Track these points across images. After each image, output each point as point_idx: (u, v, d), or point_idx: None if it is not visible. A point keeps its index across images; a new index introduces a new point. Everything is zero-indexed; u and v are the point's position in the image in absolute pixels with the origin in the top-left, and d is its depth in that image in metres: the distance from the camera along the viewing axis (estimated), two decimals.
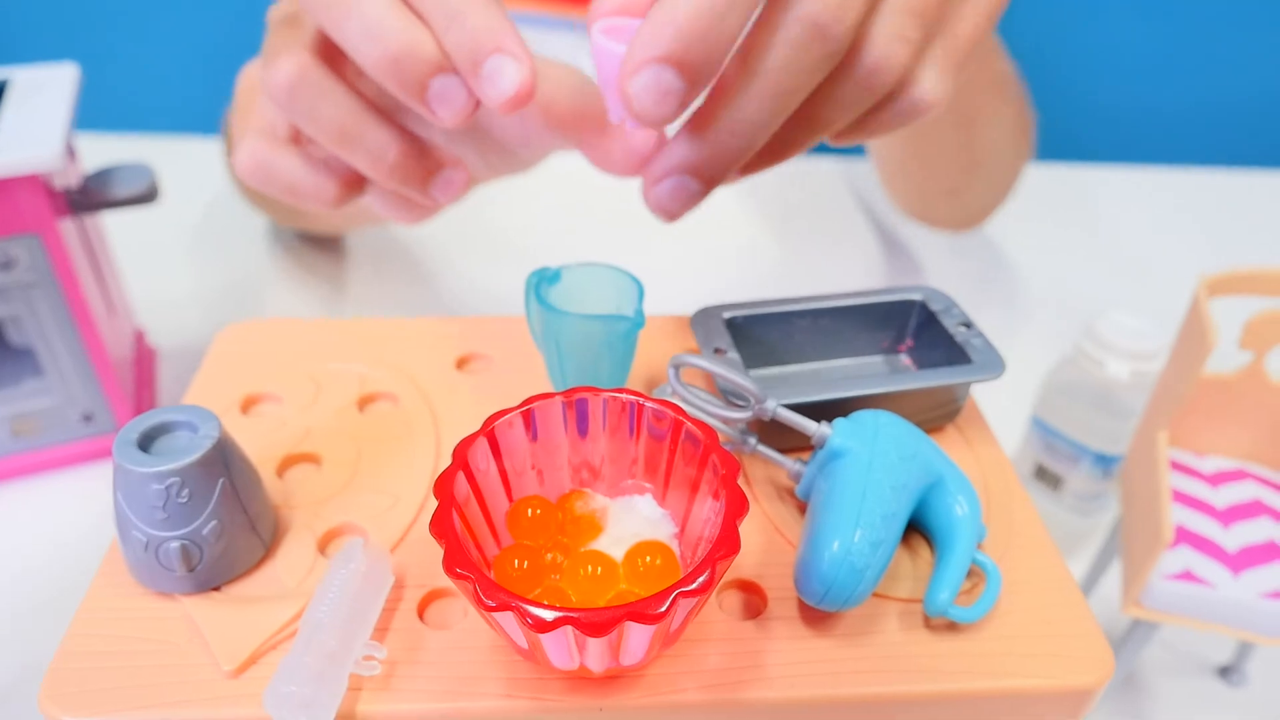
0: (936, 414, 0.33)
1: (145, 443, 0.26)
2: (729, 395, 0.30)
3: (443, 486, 0.23)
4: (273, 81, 0.33)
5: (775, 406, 0.28)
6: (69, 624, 0.26)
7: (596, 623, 0.20)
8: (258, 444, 0.32)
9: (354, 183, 0.37)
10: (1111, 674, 0.26)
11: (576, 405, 0.26)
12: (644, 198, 0.33)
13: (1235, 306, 0.44)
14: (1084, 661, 0.26)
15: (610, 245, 0.68)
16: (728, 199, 0.80)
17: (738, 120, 0.30)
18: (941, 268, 0.76)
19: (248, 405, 0.34)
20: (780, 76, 0.28)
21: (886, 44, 0.29)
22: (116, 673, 0.25)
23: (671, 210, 0.32)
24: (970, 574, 0.28)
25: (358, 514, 0.29)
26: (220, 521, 0.26)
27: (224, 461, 0.26)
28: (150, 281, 0.66)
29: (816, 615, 0.27)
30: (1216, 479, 0.45)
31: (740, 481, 0.31)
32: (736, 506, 0.23)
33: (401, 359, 0.36)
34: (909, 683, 0.25)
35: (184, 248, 0.73)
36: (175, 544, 0.25)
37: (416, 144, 0.35)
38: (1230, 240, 0.81)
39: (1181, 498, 0.43)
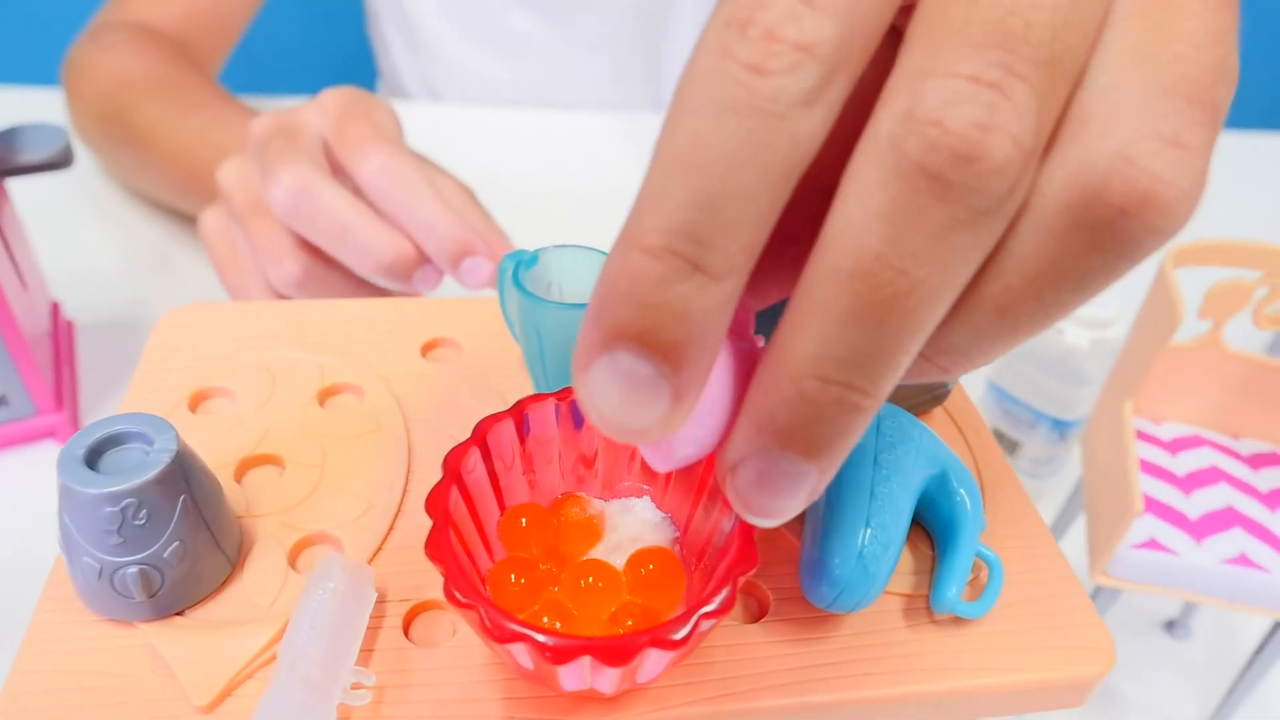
0: (926, 398, 0.32)
1: (92, 459, 0.23)
2: None
3: (436, 504, 0.22)
4: (279, 280, 0.44)
5: None
6: (14, 659, 0.24)
7: (617, 652, 0.19)
8: (212, 446, 0.29)
9: None
10: (1114, 662, 0.26)
11: (572, 407, 0.24)
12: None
13: (1193, 275, 0.45)
14: (1088, 652, 0.26)
15: (592, 226, 0.66)
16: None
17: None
18: None
19: (197, 402, 0.31)
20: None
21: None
22: (74, 712, 0.22)
23: (764, 508, 0.17)
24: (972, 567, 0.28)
25: (329, 521, 0.27)
26: (183, 542, 0.24)
27: (184, 476, 0.24)
28: (66, 252, 0.61)
29: (820, 615, 0.26)
30: (1175, 446, 0.45)
31: None
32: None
33: (361, 346, 0.34)
34: (917, 682, 0.25)
35: (101, 214, 0.68)
36: (134, 570, 0.23)
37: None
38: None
39: (1143, 465, 0.44)
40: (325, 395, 0.32)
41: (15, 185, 0.54)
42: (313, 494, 0.28)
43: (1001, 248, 0.16)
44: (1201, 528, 0.41)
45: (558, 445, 0.26)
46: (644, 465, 0.26)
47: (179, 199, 0.61)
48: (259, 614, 0.25)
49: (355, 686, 0.23)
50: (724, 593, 0.20)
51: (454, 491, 0.22)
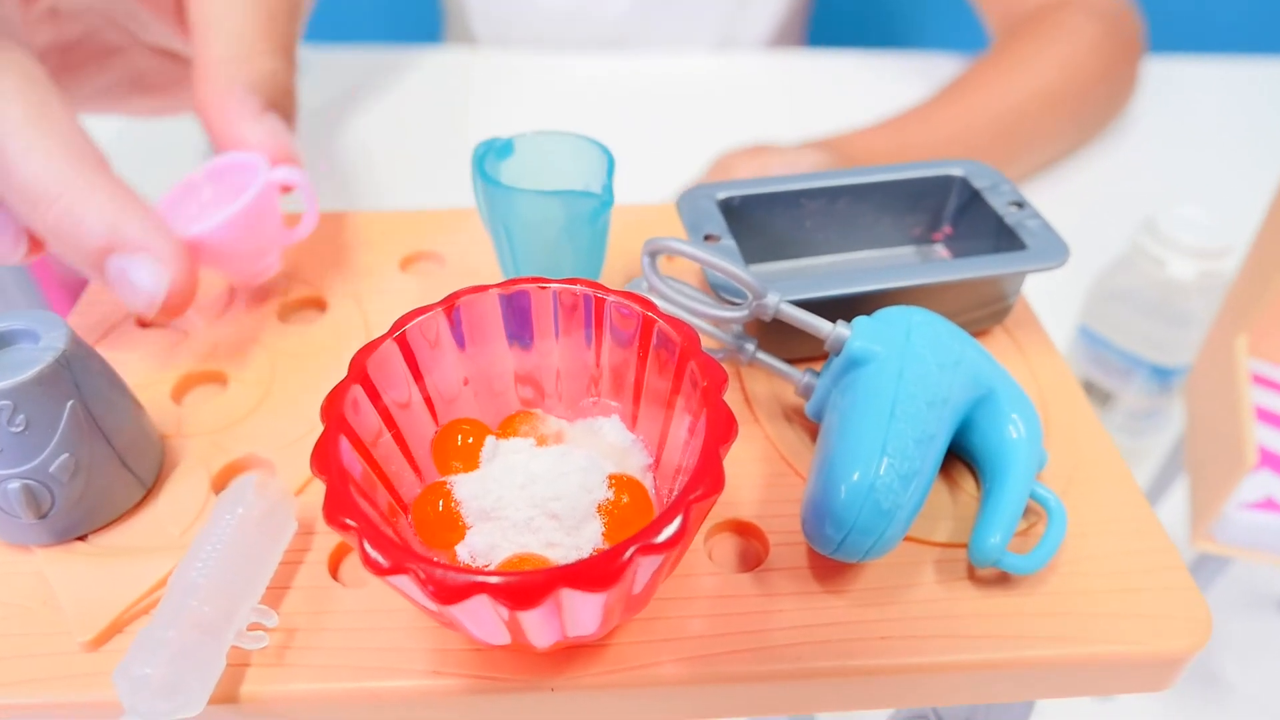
0: (981, 314, 0.27)
1: None
2: (721, 291, 0.24)
3: (331, 407, 0.18)
4: None
5: (778, 303, 0.22)
6: None
7: (520, 591, 0.15)
8: (152, 361, 0.26)
9: None
10: (1209, 636, 0.20)
11: (515, 300, 0.20)
12: None
13: None
14: (1174, 622, 0.20)
15: (582, 118, 0.61)
16: (735, 77, 0.72)
17: None
18: None
19: None
20: None
21: None
22: None
23: None
24: (1027, 512, 0.22)
25: (263, 444, 0.24)
26: (74, 455, 0.20)
27: (73, 379, 0.20)
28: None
29: (830, 566, 0.21)
30: None
31: (735, 398, 0.25)
32: (721, 428, 0.17)
33: (337, 258, 0.30)
34: (948, 651, 0.20)
35: (140, 158, 0.66)
36: (15, 484, 0.20)
37: None
38: None
39: (1261, 414, 0.37)
40: (287, 310, 0.29)
41: None
42: (253, 414, 0.25)
43: None
44: None
45: (508, 362, 0.21)
46: (612, 382, 0.21)
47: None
48: (169, 542, 0.22)
49: (253, 628, 0.19)
50: (673, 523, 0.16)
51: (357, 394, 0.18)
